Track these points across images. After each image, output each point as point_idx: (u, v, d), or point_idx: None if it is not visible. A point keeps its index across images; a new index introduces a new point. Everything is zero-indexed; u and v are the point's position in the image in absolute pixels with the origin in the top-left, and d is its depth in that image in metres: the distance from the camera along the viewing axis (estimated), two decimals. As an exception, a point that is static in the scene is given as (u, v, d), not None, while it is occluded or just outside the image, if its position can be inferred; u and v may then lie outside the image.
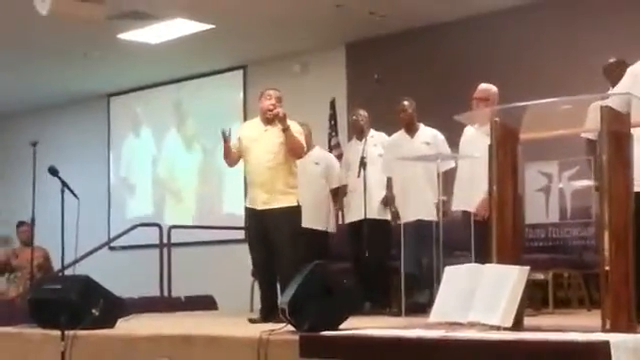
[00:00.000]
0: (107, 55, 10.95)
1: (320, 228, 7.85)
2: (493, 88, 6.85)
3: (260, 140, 6.60)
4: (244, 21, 9.78)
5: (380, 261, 7.54)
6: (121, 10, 9.13)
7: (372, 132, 7.68)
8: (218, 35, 10.24)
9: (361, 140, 7.50)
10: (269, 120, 6.57)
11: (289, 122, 6.53)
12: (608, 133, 3.69)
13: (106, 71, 11.88)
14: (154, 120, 13.00)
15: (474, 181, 6.53)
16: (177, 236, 10.53)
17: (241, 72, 11.86)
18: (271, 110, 6.54)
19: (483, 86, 6.86)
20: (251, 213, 6.65)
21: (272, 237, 6.53)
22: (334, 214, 8.01)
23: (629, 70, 5.19)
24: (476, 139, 6.75)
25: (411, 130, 7.45)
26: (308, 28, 10.06)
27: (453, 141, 7.02)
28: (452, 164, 6.90)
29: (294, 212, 6.62)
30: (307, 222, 7.32)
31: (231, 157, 6.72)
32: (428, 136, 7.34)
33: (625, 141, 3.74)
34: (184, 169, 12.63)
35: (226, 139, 6.60)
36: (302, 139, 6.67)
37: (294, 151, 6.54)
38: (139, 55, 10.99)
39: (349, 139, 7.77)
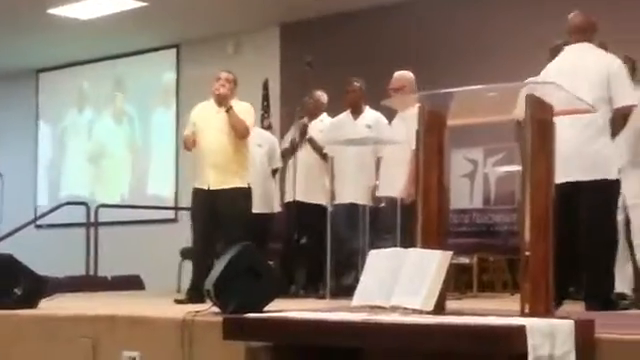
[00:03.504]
0: (36, 30, 10.73)
1: (267, 211, 7.87)
2: (407, 75, 6.91)
3: (212, 121, 6.61)
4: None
5: (312, 243, 7.58)
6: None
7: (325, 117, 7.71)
8: (151, 13, 10.14)
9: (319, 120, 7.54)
10: (222, 101, 6.57)
11: (239, 102, 6.56)
12: (532, 121, 3.72)
13: (35, 46, 11.66)
14: (85, 97, 12.82)
15: (398, 166, 6.60)
16: (106, 215, 10.45)
17: (174, 51, 11.76)
18: (215, 92, 6.58)
19: (396, 75, 6.93)
20: (200, 193, 6.62)
21: (220, 218, 6.52)
22: (278, 194, 8.04)
23: (556, 60, 5.26)
24: (399, 125, 6.83)
25: (356, 112, 7.46)
26: (242, 8, 10.03)
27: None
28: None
29: (245, 194, 6.63)
30: (255, 206, 7.34)
31: (190, 143, 6.67)
32: (371, 119, 7.36)
33: (549, 129, 3.78)
34: (115, 147, 12.53)
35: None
36: (251, 120, 6.67)
37: (237, 131, 6.53)
38: (69, 31, 10.84)
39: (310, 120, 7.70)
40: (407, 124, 6.77)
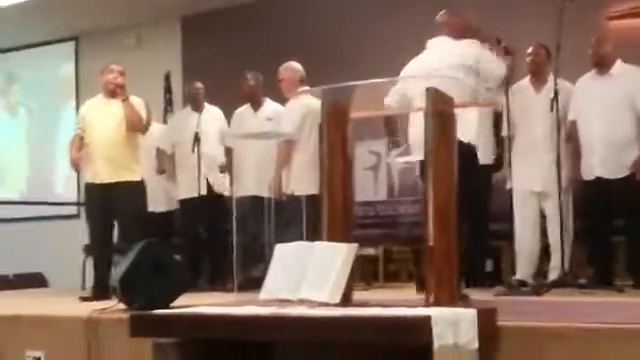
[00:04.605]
0: None
1: (163, 210, 7.83)
2: (289, 66, 6.98)
3: (103, 114, 6.56)
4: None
5: (214, 237, 7.57)
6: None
7: (207, 106, 7.67)
8: (49, 5, 9.92)
9: (198, 112, 7.47)
10: (112, 93, 6.53)
11: (133, 97, 6.50)
12: (434, 113, 3.77)
13: None
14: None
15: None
16: (5, 212, 10.22)
17: (73, 43, 11.55)
18: (112, 82, 6.52)
19: (280, 67, 7.00)
20: (92, 188, 6.55)
21: (115, 212, 6.46)
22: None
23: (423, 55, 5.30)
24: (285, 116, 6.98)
25: (256, 105, 7.48)
26: (143, 1, 9.90)
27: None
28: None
29: (139, 188, 6.59)
30: (158, 205, 7.30)
31: (76, 159, 6.59)
32: (271, 111, 7.38)
33: (449, 122, 3.85)
34: (13, 143, 12.21)
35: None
36: (144, 113, 6.62)
37: (133, 123, 6.48)
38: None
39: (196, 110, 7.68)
40: (290, 114, 6.90)
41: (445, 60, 5.07)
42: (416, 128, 4.68)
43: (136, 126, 6.52)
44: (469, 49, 5.17)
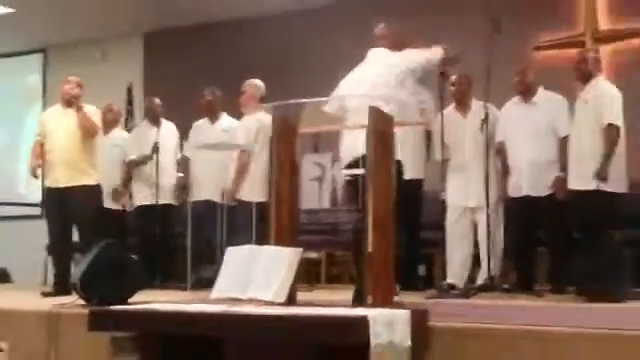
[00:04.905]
0: None
1: (119, 208, 7.80)
2: (250, 82, 7.07)
3: (61, 122, 6.57)
4: (44, 6, 9.42)
5: (168, 239, 7.59)
6: None
7: (164, 122, 7.72)
8: (18, 18, 9.81)
9: (156, 126, 7.53)
10: (69, 102, 6.55)
11: (87, 105, 6.52)
12: (374, 131, 3.81)
13: None
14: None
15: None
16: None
17: (41, 55, 11.41)
18: (68, 92, 6.53)
19: (245, 83, 7.08)
20: (52, 192, 6.54)
21: (72, 214, 6.45)
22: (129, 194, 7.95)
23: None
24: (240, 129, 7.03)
25: (213, 117, 7.53)
26: (108, 17, 9.86)
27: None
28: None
29: (95, 191, 6.61)
30: (107, 202, 7.27)
31: (35, 167, 6.59)
32: (227, 124, 7.44)
33: (389, 139, 3.88)
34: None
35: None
36: (97, 120, 6.65)
37: (87, 130, 6.51)
38: None
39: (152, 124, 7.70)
40: (245, 127, 6.94)
41: (382, 70, 4.98)
42: (348, 141, 4.69)
43: (89, 133, 6.56)
44: (403, 57, 5.07)
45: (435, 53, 5.23)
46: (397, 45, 5.16)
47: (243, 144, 6.81)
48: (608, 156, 5.81)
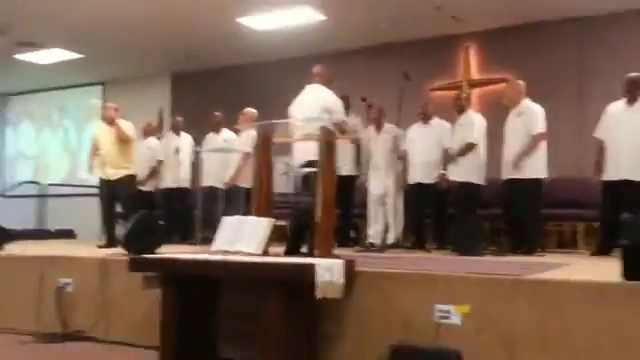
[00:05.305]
0: (7, 72, 10.19)
1: (150, 189, 7.76)
2: (247, 110, 7.04)
3: (106, 134, 6.52)
4: (105, 54, 9.30)
5: (184, 211, 7.55)
6: (18, 40, 8.63)
7: (183, 133, 7.70)
8: (87, 61, 9.73)
9: (178, 136, 7.50)
10: (108, 121, 6.44)
11: (123, 121, 6.50)
12: (325, 143, 3.82)
13: (6, 79, 10.86)
14: (39, 116, 12.00)
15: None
16: (53, 190, 9.94)
17: (101, 87, 11.26)
18: (105, 115, 6.54)
19: (245, 109, 7.03)
20: (103, 182, 6.53)
21: (117, 195, 6.41)
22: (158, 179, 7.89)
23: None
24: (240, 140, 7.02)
25: (217, 131, 7.56)
26: (147, 62, 9.77)
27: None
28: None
29: (133, 179, 6.56)
30: (141, 186, 7.19)
31: (92, 158, 6.53)
32: (227, 136, 7.42)
33: (332, 147, 3.88)
34: (56, 152, 11.76)
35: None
36: (131, 131, 6.58)
37: (121, 139, 6.44)
38: (31, 70, 10.15)
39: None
40: (241, 141, 6.91)
41: (314, 101, 4.75)
42: (301, 147, 4.66)
43: (125, 141, 6.48)
44: (331, 97, 4.89)
45: (341, 118, 4.88)
46: (328, 81, 5.00)
47: (242, 150, 6.81)
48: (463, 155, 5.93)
